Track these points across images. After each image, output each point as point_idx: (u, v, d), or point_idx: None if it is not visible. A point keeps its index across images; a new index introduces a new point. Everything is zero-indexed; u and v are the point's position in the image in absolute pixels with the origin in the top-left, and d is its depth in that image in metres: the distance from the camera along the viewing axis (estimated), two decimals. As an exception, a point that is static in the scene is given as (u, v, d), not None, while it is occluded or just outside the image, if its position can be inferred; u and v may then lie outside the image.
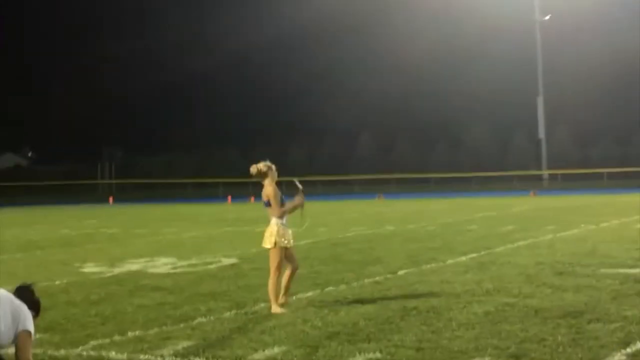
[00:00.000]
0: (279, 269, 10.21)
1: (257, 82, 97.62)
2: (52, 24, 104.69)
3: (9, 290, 6.09)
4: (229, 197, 52.43)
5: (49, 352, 8.11)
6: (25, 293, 6.06)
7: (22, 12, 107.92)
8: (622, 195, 41.41)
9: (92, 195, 69.06)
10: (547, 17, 64.59)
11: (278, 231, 10.21)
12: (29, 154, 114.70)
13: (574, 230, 20.38)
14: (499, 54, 76.31)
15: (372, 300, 10.54)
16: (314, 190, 51.80)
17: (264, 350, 7.92)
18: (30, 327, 5.83)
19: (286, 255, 10.35)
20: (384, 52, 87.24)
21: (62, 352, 8.16)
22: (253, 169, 10.40)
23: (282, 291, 10.35)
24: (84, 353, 8.09)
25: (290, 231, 10.37)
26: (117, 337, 8.74)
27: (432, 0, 78.71)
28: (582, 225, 21.76)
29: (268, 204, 10.34)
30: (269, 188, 10.32)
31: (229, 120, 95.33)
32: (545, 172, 62.87)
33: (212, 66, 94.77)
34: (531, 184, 57.79)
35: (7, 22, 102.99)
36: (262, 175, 10.37)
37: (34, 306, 6.04)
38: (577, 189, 50.66)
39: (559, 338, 8.04)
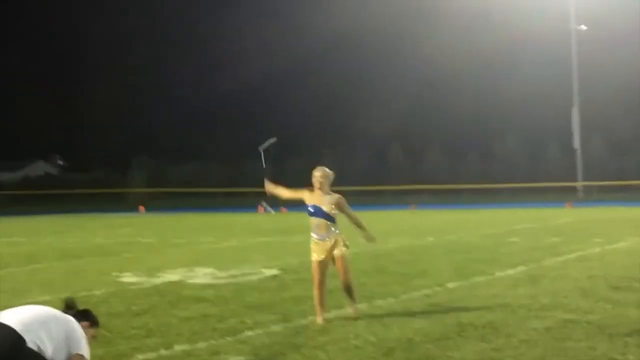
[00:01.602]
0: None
1: (288, 94, 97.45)
2: (87, 30, 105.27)
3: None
4: (260, 207, 51.99)
5: (95, 366, 7.78)
6: (73, 308, 5.80)
7: (57, 20, 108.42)
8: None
9: (122, 203, 69.02)
10: (583, 27, 63.51)
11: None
12: (60, 162, 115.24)
13: (621, 243, 19.78)
14: (532, 63, 75.45)
15: (423, 315, 10.14)
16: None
17: (319, 367, 7.55)
18: (85, 350, 5.56)
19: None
20: (416, 62, 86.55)
21: (109, 366, 7.84)
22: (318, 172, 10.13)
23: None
24: (131, 368, 7.77)
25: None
26: (163, 351, 8.40)
27: (464, 10, 78.17)
28: (629, 237, 21.17)
29: (319, 213, 9.98)
30: (328, 196, 10.01)
31: (260, 131, 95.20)
32: (581, 184, 61.85)
33: (242, 78, 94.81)
34: (566, 195, 56.85)
35: (41, 30, 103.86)
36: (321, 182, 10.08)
37: (90, 317, 5.77)
38: (614, 201, 49.71)
39: (630, 357, 7.61)
